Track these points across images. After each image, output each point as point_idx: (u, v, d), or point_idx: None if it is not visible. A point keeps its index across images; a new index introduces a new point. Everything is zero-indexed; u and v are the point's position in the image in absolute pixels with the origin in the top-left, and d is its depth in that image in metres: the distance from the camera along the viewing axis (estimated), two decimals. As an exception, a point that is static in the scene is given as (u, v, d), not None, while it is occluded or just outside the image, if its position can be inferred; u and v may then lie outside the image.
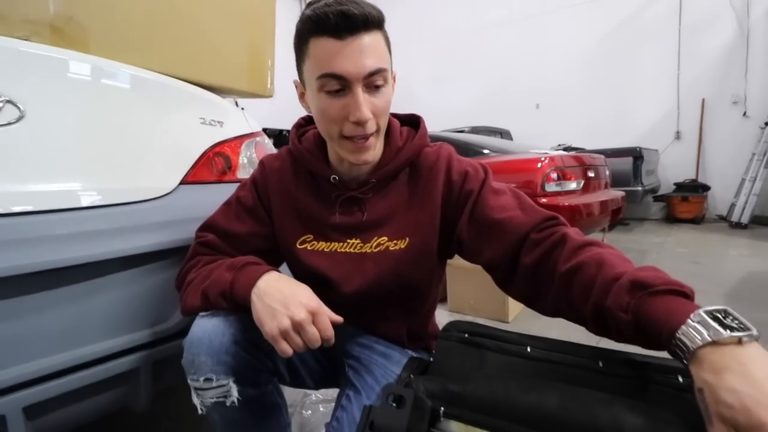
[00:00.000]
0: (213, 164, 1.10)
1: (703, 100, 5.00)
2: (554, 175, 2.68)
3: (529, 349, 0.54)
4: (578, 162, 2.90)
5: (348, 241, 0.71)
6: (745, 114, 4.75)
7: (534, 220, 0.63)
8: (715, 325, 0.40)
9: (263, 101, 1.59)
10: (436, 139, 3.14)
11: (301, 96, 0.69)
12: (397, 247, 0.70)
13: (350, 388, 0.70)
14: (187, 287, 0.68)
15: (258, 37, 1.35)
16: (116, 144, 0.90)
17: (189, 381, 0.61)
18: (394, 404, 0.45)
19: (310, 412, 1.26)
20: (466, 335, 0.58)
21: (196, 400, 0.61)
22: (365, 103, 0.60)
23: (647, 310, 0.44)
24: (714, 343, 0.39)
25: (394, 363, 0.73)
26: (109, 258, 0.77)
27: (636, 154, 4.24)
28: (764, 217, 4.54)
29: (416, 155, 0.72)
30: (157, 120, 1.01)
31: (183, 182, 1.00)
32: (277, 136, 4.62)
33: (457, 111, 6.88)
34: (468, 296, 1.96)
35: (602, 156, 3.44)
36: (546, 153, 2.90)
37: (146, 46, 1.06)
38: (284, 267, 0.84)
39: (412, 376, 0.52)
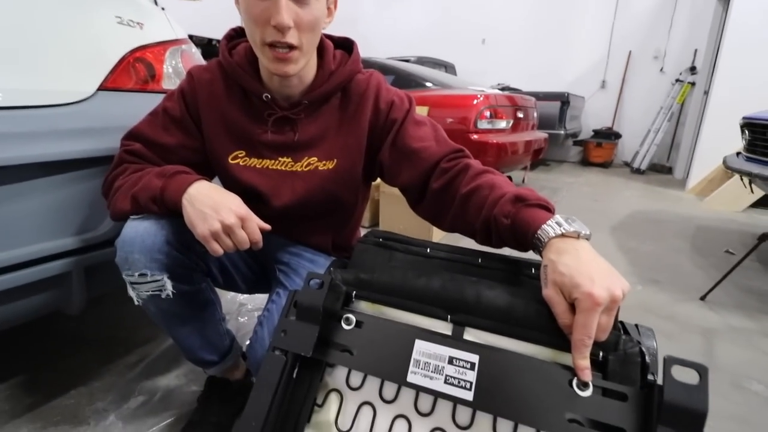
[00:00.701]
0: (134, 71, 1.04)
1: (630, 52, 5.33)
2: (487, 113, 2.82)
3: (428, 250, 0.66)
4: (510, 102, 3.05)
5: (279, 159, 0.75)
6: (662, 70, 5.19)
7: (444, 151, 0.72)
8: (565, 224, 0.53)
9: (188, 4, 1.45)
10: (381, 67, 3.13)
11: (235, 1, 0.68)
12: (325, 168, 0.76)
13: (280, 286, 0.80)
14: (116, 192, 0.69)
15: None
16: (23, 42, 0.82)
17: (124, 276, 0.65)
18: (315, 288, 0.55)
19: (246, 318, 1.37)
20: (381, 240, 0.68)
21: (131, 293, 0.66)
22: (287, 10, 0.60)
23: (521, 216, 0.57)
24: (561, 235, 0.53)
25: (320, 266, 0.83)
26: (21, 163, 0.75)
27: (564, 99, 4.52)
28: (659, 165, 5.21)
29: (348, 80, 0.75)
30: (67, 16, 0.91)
31: (101, 88, 0.94)
32: (205, 45, 4.18)
33: (404, 39, 6.64)
34: (398, 221, 2.12)
35: (533, 98, 3.63)
36: (482, 90, 3.00)
37: None
38: (216, 180, 0.88)
39: (332, 268, 0.62)
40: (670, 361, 0.42)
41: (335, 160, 0.76)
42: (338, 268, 0.64)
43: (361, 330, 0.54)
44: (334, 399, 0.56)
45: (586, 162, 5.56)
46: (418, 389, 0.50)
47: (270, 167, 0.75)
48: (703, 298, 1.64)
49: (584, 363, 0.45)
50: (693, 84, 4.72)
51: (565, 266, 0.49)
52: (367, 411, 0.54)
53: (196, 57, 1.27)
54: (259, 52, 0.67)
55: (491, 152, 2.76)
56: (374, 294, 0.58)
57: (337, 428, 0.55)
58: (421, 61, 5.49)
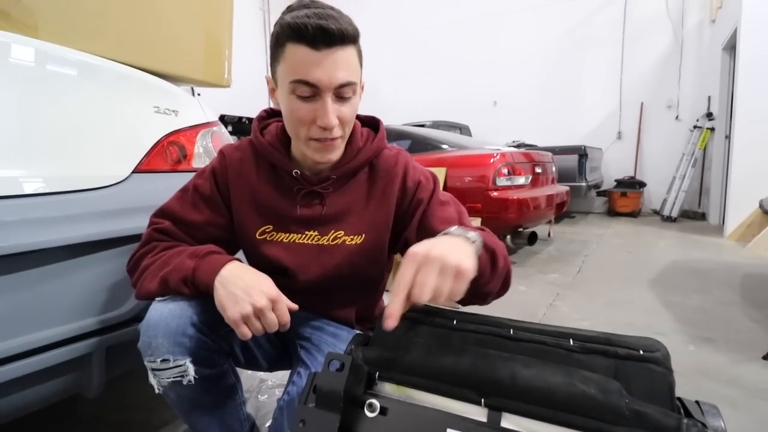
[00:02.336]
0: (167, 153, 1.10)
1: (642, 103, 5.41)
2: (505, 171, 2.85)
3: (455, 322, 0.62)
4: (527, 158, 3.09)
5: (306, 232, 0.76)
6: (677, 117, 5.21)
7: None
8: (455, 229, 0.59)
9: (222, 89, 1.59)
10: (398, 133, 3.27)
11: (272, 92, 0.72)
12: (353, 242, 0.76)
13: (301, 365, 0.76)
14: (144, 272, 0.70)
15: (215, 27, 1.35)
16: (65, 131, 0.89)
17: (146, 362, 0.64)
18: (335, 369, 0.52)
19: (266, 396, 1.30)
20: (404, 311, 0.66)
21: (152, 380, 0.64)
22: (333, 111, 0.64)
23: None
24: (446, 233, 0.59)
25: (343, 341, 0.80)
26: (56, 246, 0.78)
27: (581, 152, 4.54)
28: (691, 212, 5.03)
29: (375, 156, 0.78)
30: (108, 107, 0.99)
31: (136, 171, 1.00)
32: (236, 123, 4.53)
33: (420, 105, 7.00)
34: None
35: (550, 153, 3.67)
36: (498, 149, 3.06)
37: (99, 32, 1.04)
38: (240, 254, 0.89)
39: (353, 346, 0.59)
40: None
41: (363, 235, 0.76)
42: (360, 345, 0.61)
43: (386, 417, 0.50)
44: (359, 497, 0.50)
45: (612, 212, 5.42)
46: (453, 489, 0.44)
47: (297, 241, 0.76)
48: (766, 358, 1.47)
49: (391, 309, 0.50)
50: (712, 129, 4.68)
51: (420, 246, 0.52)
52: None
53: (226, 137, 1.35)
54: (303, 145, 0.70)
55: (512, 209, 2.74)
56: (399, 375, 0.54)
57: None
58: (437, 124, 5.73)
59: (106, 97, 0.99)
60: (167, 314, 0.63)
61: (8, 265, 0.73)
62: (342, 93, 0.65)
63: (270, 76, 0.71)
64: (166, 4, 1.18)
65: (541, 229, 4.13)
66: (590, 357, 0.53)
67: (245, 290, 0.61)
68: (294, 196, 0.76)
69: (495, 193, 2.77)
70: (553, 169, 3.60)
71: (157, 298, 0.67)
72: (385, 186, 0.77)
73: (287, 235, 0.76)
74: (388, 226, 0.76)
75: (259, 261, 0.77)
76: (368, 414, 0.51)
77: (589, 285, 2.45)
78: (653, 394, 0.48)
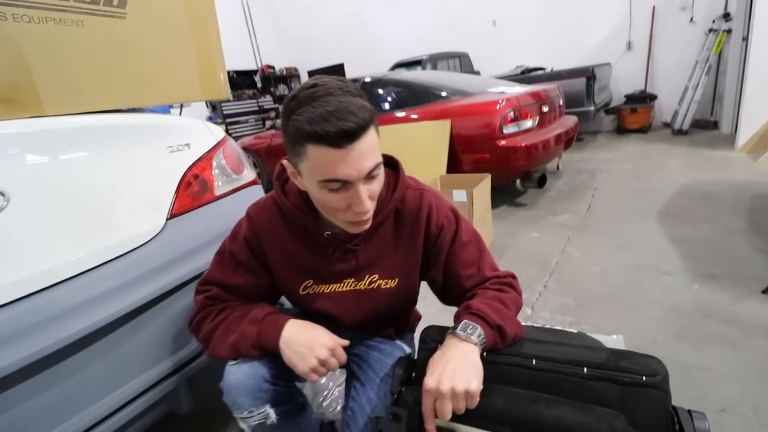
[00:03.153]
0: (191, 189, 1.15)
1: (654, 7, 5.01)
2: (511, 115, 2.80)
3: (484, 354, 0.73)
4: (534, 98, 3.01)
5: (344, 281, 0.83)
6: (692, 20, 4.85)
7: (475, 281, 0.82)
8: (461, 331, 0.69)
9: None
10: (396, 83, 3.25)
11: (293, 175, 0.72)
12: (387, 286, 0.84)
13: (357, 381, 0.90)
14: (210, 337, 0.80)
15: (204, 42, 1.31)
16: (100, 201, 0.94)
17: (234, 414, 0.78)
18: (394, 419, 0.65)
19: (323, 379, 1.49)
20: (438, 345, 0.77)
21: (242, 425, 0.79)
22: (366, 196, 0.67)
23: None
24: (453, 334, 0.70)
25: (387, 355, 0.93)
26: (127, 312, 0.89)
27: (588, 75, 4.35)
28: (702, 121, 4.91)
29: (399, 202, 0.82)
30: (127, 163, 1.02)
31: (170, 218, 1.07)
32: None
33: (412, 36, 6.59)
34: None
35: (556, 84, 3.54)
36: (503, 93, 2.97)
37: (98, 88, 1.03)
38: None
39: (403, 389, 0.72)
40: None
41: (396, 279, 0.83)
42: (407, 376, 0.74)
43: (440, 450, 0.64)
44: (425, 507, 0.66)
45: (622, 130, 5.31)
46: (498, 505, 0.58)
47: (337, 290, 0.84)
48: (765, 292, 1.60)
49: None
50: (729, 31, 4.38)
51: (434, 358, 0.68)
52: None
53: (234, 148, 1.39)
54: (338, 222, 0.73)
55: (521, 156, 2.75)
56: (445, 412, 0.67)
57: None
58: (433, 58, 5.47)
59: (126, 155, 1.01)
60: (243, 377, 0.76)
61: (94, 337, 0.85)
62: (371, 175, 0.67)
63: (287, 162, 0.72)
64: (152, 37, 1.14)
65: (550, 162, 4.14)
66: (600, 383, 0.65)
67: (308, 347, 0.73)
68: (328, 254, 0.81)
69: (502, 142, 2.76)
70: (561, 102, 3.50)
71: (230, 362, 0.79)
72: (412, 231, 0.82)
73: (327, 286, 0.84)
74: (417, 267, 0.84)
75: (306, 311, 0.87)
76: (425, 447, 0.64)
77: (600, 224, 2.54)
78: (653, 416, 0.60)
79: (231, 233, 0.88)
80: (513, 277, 0.84)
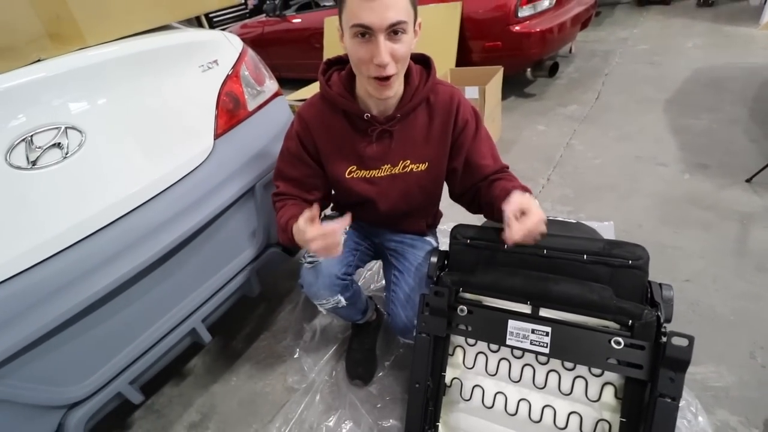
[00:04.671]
0: (226, 107, 1.20)
1: None
2: (527, -4, 2.61)
3: (505, 246, 0.92)
4: (553, -27, 2.74)
5: (382, 167, 0.98)
6: None
7: (495, 168, 0.97)
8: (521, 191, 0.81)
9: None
10: None
11: (341, 37, 0.83)
12: (419, 169, 0.98)
13: (395, 270, 1.12)
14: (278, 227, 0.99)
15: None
16: (156, 127, 1.02)
17: (315, 303, 1.03)
18: (437, 295, 0.86)
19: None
20: (468, 241, 0.95)
21: (320, 308, 1.05)
22: (386, 50, 0.76)
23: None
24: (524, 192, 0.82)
25: (419, 249, 1.12)
26: (202, 224, 1.05)
27: (617, -66, 3.82)
28: (733, -12, 4.48)
29: (430, 92, 0.93)
30: (171, 88, 1.07)
31: (216, 137, 1.15)
32: None
33: None
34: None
35: (579, -48, 3.17)
36: (520, -32, 2.70)
37: (126, 10, 1.03)
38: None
39: (441, 273, 0.93)
40: (671, 334, 0.70)
41: (426, 164, 0.98)
42: (441, 266, 0.95)
43: (472, 315, 0.87)
44: (459, 351, 0.92)
45: (643, 1, 4.88)
46: (514, 348, 0.83)
47: (376, 176, 0.98)
48: (749, 181, 1.77)
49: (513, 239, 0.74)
50: None
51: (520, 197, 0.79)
52: (481, 357, 0.90)
53: (253, 56, 1.40)
54: (365, 81, 0.84)
55: (536, 42, 2.64)
56: (475, 289, 0.89)
57: (464, 366, 0.92)
58: None
59: (163, 78, 1.06)
60: (318, 275, 0.99)
61: (193, 236, 1.04)
62: (394, 31, 0.75)
63: (338, 24, 0.82)
64: None
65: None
66: (596, 266, 0.85)
67: (303, 243, 0.85)
68: (368, 136, 0.94)
69: (517, 27, 2.63)
70: (581, -27, 3.18)
71: (305, 264, 1.02)
72: (442, 121, 0.94)
73: (368, 171, 0.98)
74: (446, 154, 0.98)
75: (349, 194, 1.01)
76: (460, 313, 0.87)
77: (606, 115, 2.60)
78: (634, 290, 0.81)
79: (286, 133, 1.02)
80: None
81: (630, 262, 0.82)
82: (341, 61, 0.97)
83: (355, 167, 0.98)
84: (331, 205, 1.17)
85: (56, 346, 0.85)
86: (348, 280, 1.05)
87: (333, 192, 1.11)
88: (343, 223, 0.78)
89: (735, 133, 2.14)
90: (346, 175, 0.99)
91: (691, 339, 0.69)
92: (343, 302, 1.04)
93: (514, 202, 0.76)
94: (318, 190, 1.04)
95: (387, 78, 0.80)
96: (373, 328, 1.35)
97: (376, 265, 1.67)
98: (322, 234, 0.78)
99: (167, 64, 1.08)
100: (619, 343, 0.76)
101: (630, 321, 0.77)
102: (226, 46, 1.29)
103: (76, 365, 0.89)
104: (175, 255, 1.02)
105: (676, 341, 0.70)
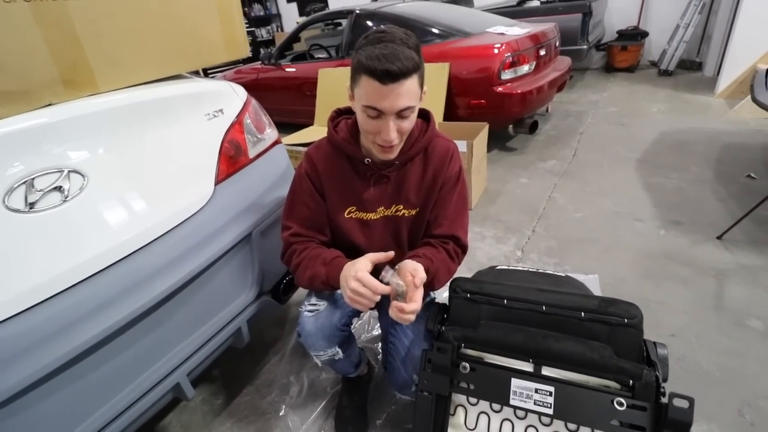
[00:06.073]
0: (228, 154, 1.22)
1: (658, -66, 4.76)
2: (510, 60, 2.82)
3: (505, 302, 0.94)
4: (533, 41, 3.00)
5: (377, 209, 1.01)
6: (693, -49, 4.67)
7: (441, 232, 1.01)
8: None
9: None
10: (395, 18, 3.20)
11: (350, 98, 0.89)
12: (410, 214, 1.02)
13: (392, 321, 1.11)
14: (296, 270, 0.98)
15: (225, 2, 1.30)
16: (158, 172, 1.03)
17: (311, 353, 1.00)
18: (440, 351, 0.85)
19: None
20: (468, 294, 0.96)
21: (316, 360, 1.02)
22: (393, 129, 0.83)
23: None
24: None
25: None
26: (197, 272, 1.03)
27: (585, 10, 4.26)
28: (688, 61, 4.98)
29: (428, 145, 0.99)
30: (177, 135, 1.10)
31: (216, 183, 1.16)
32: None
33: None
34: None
35: (554, 24, 3.50)
36: (503, 34, 2.95)
37: (138, 59, 1.07)
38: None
39: (442, 328, 0.92)
40: (671, 395, 0.71)
41: (417, 209, 1.02)
42: (440, 322, 0.95)
43: (475, 372, 0.86)
44: (460, 410, 0.90)
45: (610, 68, 5.35)
46: (517, 408, 0.82)
47: (372, 218, 1.01)
48: (719, 238, 1.88)
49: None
50: (729, -33, 4.28)
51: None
52: (483, 417, 0.88)
53: (257, 107, 1.44)
54: (369, 144, 0.90)
55: (517, 103, 2.83)
56: (478, 345, 0.88)
57: (466, 427, 0.89)
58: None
59: (170, 125, 1.09)
60: (320, 325, 0.97)
61: (176, 292, 1.00)
62: (402, 114, 0.83)
63: (349, 86, 0.88)
64: (179, 1, 1.14)
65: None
66: (594, 324, 0.86)
67: (344, 280, 0.86)
68: (368, 179, 0.98)
69: (500, 89, 2.82)
70: (557, 43, 3.49)
71: (305, 312, 0.99)
72: (436, 173, 0.99)
73: (365, 213, 1.01)
74: (432, 202, 1.01)
75: (343, 236, 1.02)
76: (462, 371, 0.86)
77: (584, 171, 2.75)
78: (631, 348, 0.82)
79: (294, 175, 1.05)
80: (464, 251, 1.04)
81: (626, 320, 0.84)
82: (350, 111, 1.03)
83: (354, 208, 1.01)
84: None
85: (33, 402, 0.78)
86: (347, 331, 1.04)
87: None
88: (387, 288, 0.83)
89: (703, 192, 2.30)
90: (345, 215, 1.01)
91: (691, 400, 0.71)
92: (341, 354, 1.01)
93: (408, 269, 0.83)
94: (326, 230, 1.05)
95: (390, 146, 0.87)
96: (365, 382, 1.31)
97: (366, 315, 1.64)
98: (373, 284, 0.82)
99: (176, 111, 1.11)
100: (621, 404, 0.76)
101: (631, 381, 0.78)
102: (232, 96, 1.33)
103: (50, 426, 0.82)
104: (165, 304, 0.99)
105: (677, 402, 0.71)
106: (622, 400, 0.76)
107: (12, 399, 0.74)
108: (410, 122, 0.86)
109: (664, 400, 0.75)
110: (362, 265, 0.86)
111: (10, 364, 0.73)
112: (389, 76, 0.76)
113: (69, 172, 0.87)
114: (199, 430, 1.30)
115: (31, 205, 0.81)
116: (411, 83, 0.80)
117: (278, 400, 1.36)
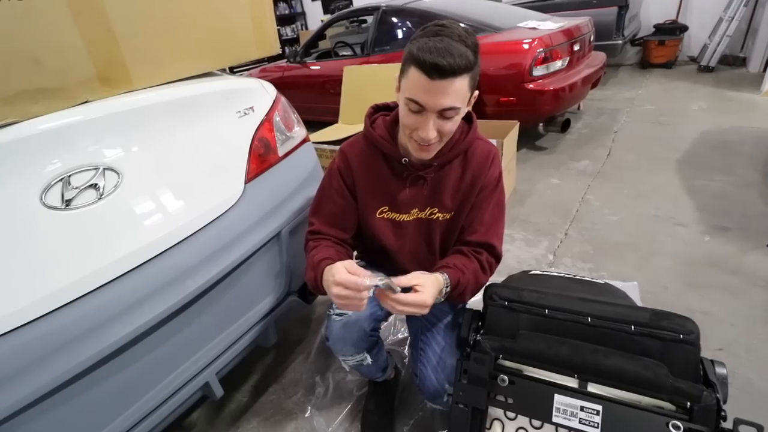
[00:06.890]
0: (258, 152, 1.21)
1: None
2: (543, 56, 2.73)
3: (546, 312, 0.88)
4: (566, 36, 2.89)
5: (411, 211, 0.97)
6: (740, -61, 4.40)
7: (476, 240, 0.96)
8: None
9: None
10: (419, 12, 3.17)
11: (397, 89, 0.84)
12: (444, 218, 0.98)
13: (422, 326, 1.06)
14: (305, 271, 0.95)
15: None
16: (191, 170, 1.02)
17: (339, 358, 0.98)
18: (477, 362, 0.81)
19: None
20: (506, 303, 0.92)
21: (344, 365, 0.99)
22: (432, 128, 0.79)
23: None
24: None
25: (444, 303, 1.07)
26: (227, 270, 1.02)
27: (621, 3, 4.08)
28: (731, 57, 4.71)
29: (469, 147, 0.94)
30: (209, 133, 1.09)
31: (247, 181, 1.15)
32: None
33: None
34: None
35: (588, 18, 3.36)
36: (535, 30, 2.86)
37: (172, 56, 1.06)
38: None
39: (479, 337, 0.88)
40: (737, 421, 0.65)
41: (452, 213, 0.97)
42: (476, 330, 0.90)
43: (514, 386, 0.81)
44: (497, 424, 0.85)
45: (646, 64, 5.11)
46: (560, 426, 0.77)
47: (405, 219, 0.98)
48: (770, 245, 1.75)
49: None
50: (780, -45, 4.02)
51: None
52: (521, 432, 0.83)
53: (286, 105, 1.42)
54: (406, 140, 0.86)
55: (548, 100, 2.73)
56: (518, 357, 0.83)
57: (502, 443, 0.85)
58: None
59: (202, 123, 1.08)
60: (347, 330, 0.94)
61: (216, 282, 1.00)
62: (445, 114, 0.78)
63: (397, 76, 0.83)
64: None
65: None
66: (645, 339, 0.80)
67: (327, 286, 0.80)
68: (404, 180, 0.95)
69: (531, 85, 2.72)
70: (591, 38, 3.35)
71: (333, 316, 0.96)
72: (475, 177, 0.94)
73: (398, 214, 0.97)
74: (468, 206, 0.97)
75: (373, 237, 0.99)
76: (501, 384, 0.82)
77: (619, 172, 2.63)
78: (687, 367, 0.76)
79: (326, 171, 1.02)
80: (498, 260, 0.98)
81: (681, 336, 0.78)
82: (388, 108, 0.99)
83: (387, 208, 0.98)
84: (355, 252, 1.14)
85: (69, 397, 0.78)
86: (376, 336, 1.01)
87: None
88: (372, 282, 0.74)
89: (751, 196, 2.15)
90: (377, 215, 0.98)
91: (760, 429, 0.64)
92: (369, 360, 0.99)
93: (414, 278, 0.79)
94: (351, 228, 1.02)
95: (427, 145, 0.82)
96: (392, 387, 1.27)
97: (392, 317, 1.61)
98: (353, 282, 0.73)
99: (208, 109, 1.10)
100: (678, 428, 0.70)
101: (688, 403, 0.71)
102: (262, 94, 1.32)
103: (85, 421, 0.82)
104: (196, 302, 0.98)
105: (744, 429, 0.64)
106: (679, 424, 0.70)
107: (49, 394, 0.74)
108: (453, 124, 0.81)
109: (725, 424, 0.69)
110: (338, 268, 0.77)
111: (47, 361, 0.73)
112: (438, 70, 0.71)
113: (104, 169, 0.87)
114: (225, 428, 1.30)
115: (68, 203, 0.81)
116: (460, 83, 0.74)
117: (304, 400, 1.34)
